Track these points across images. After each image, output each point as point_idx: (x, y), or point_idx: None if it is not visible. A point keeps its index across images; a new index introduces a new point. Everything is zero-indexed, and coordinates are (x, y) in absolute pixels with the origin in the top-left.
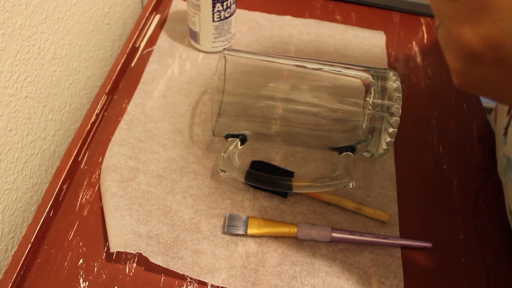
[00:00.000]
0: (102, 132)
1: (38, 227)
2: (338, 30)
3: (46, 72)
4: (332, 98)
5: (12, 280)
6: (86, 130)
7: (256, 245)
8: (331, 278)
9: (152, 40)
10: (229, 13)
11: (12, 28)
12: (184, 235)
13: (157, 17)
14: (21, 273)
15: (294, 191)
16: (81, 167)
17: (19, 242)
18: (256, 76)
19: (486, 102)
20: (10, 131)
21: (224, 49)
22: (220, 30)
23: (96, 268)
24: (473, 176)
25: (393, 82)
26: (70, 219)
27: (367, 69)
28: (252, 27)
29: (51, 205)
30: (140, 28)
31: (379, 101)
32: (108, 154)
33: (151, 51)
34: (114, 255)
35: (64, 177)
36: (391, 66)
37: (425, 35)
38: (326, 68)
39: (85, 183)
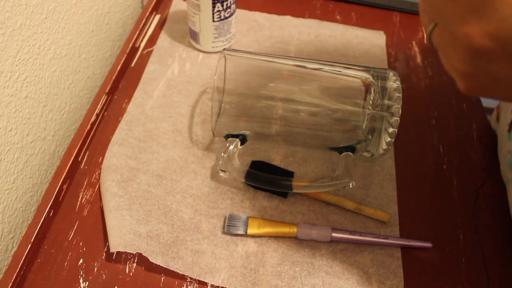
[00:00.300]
0: (102, 132)
1: (38, 227)
2: (338, 30)
3: (46, 72)
4: (332, 98)
5: (12, 280)
6: (86, 130)
7: (256, 245)
8: (331, 278)
9: (152, 40)
10: (229, 13)
11: (12, 28)
12: (184, 235)
13: (157, 17)
14: (21, 273)
15: (294, 191)
16: (81, 167)
17: (19, 242)
18: (256, 76)
19: (486, 102)
20: (10, 131)
21: (224, 49)
22: (220, 30)
23: (96, 268)
24: (473, 176)
25: (393, 82)
26: (70, 219)
27: (367, 69)
28: (252, 27)
29: (51, 205)
30: (140, 28)
31: (379, 101)
32: (108, 154)
33: (151, 51)
34: (114, 255)
35: (64, 177)
36: (391, 66)
37: (425, 35)
38: (326, 68)
39: (85, 183)
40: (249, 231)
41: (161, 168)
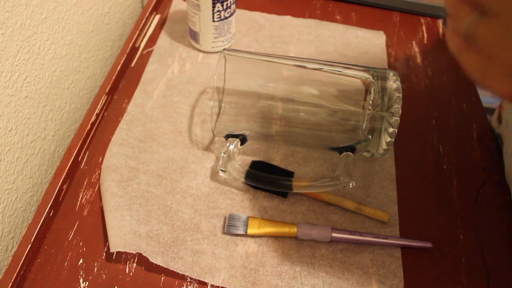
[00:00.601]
0: (102, 132)
1: (38, 227)
2: (338, 30)
3: (46, 72)
4: (332, 98)
5: (12, 280)
6: (86, 130)
7: (256, 245)
8: (331, 278)
9: (152, 40)
10: (229, 13)
11: (12, 28)
12: (184, 235)
13: (157, 17)
14: (21, 273)
15: (294, 191)
16: (81, 167)
17: (19, 242)
18: (256, 76)
19: (486, 102)
20: (10, 131)
21: (224, 49)
22: (220, 30)
23: (96, 268)
24: (473, 176)
25: (393, 82)
26: (70, 219)
27: (367, 69)
28: (252, 27)
29: (51, 205)
30: (140, 28)
31: (379, 101)
32: (108, 154)
33: (151, 51)
34: (114, 255)
35: (64, 177)
36: (391, 66)
37: (425, 35)
38: (326, 68)
39: (85, 183)
40: (249, 231)
41: (161, 168)
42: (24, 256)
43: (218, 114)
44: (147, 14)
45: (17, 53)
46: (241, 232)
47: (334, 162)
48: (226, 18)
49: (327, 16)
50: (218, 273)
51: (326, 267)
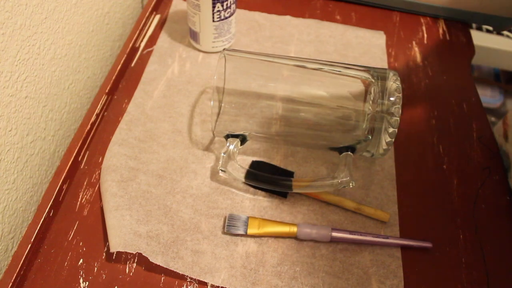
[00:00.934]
0: (102, 132)
1: (38, 227)
2: (338, 30)
3: (46, 72)
4: (332, 98)
5: (12, 280)
6: (86, 130)
7: (256, 245)
8: (331, 278)
9: (152, 40)
10: (229, 13)
11: (12, 28)
12: (184, 235)
13: (157, 17)
14: (21, 273)
15: (294, 191)
16: (81, 167)
17: (19, 242)
18: (256, 76)
19: (486, 102)
20: (10, 131)
21: (224, 49)
22: (220, 30)
23: (96, 268)
24: (473, 176)
25: (393, 82)
26: (70, 219)
27: (367, 69)
28: (252, 27)
29: (51, 205)
30: (140, 28)
31: (379, 101)
32: (108, 154)
33: (151, 51)
34: (114, 255)
35: (64, 177)
36: (391, 66)
37: (425, 35)
38: (326, 68)
39: (85, 183)
40: (249, 231)
41: (161, 168)
42: (24, 256)
43: (218, 114)
44: (147, 14)
45: (17, 53)
46: (241, 232)
47: (334, 162)
48: (226, 18)
49: (327, 16)
50: (218, 273)
51: (326, 267)
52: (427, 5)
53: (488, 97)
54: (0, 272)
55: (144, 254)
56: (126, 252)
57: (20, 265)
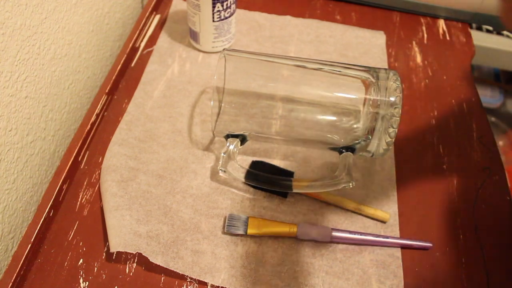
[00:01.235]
0: (102, 132)
1: (38, 227)
2: (338, 30)
3: (46, 72)
4: (332, 98)
5: (12, 280)
6: (86, 130)
7: (256, 245)
8: (331, 278)
9: (152, 40)
10: (229, 13)
11: (12, 28)
12: (184, 235)
13: (157, 17)
14: (21, 273)
15: (294, 191)
16: (81, 167)
17: (19, 242)
18: (256, 76)
19: (486, 102)
20: (10, 131)
21: (224, 49)
22: (220, 30)
23: (96, 268)
24: (473, 176)
25: (393, 82)
26: (70, 219)
27: (367, 69)
28: (252, 27)
29: (51, 205)
30: (140, 28)
31: (379, 101)
32: (108, 154)
33: (151, 51)
34: (114, 255)
35: (64, 177)
36: (391, 66)
37: (425, 35)
38: (326, 68)
39: (85, 183)
40: (249, 231)
41: (161, 168)
42: (24, 256)
43: (218, 114)
44: (147, 14)
45: (17, 53)
46: (241, 232)
47: (334, 162)
48: (226, 18)
49: (327, 16)
50: (218, 273)
51: (326, 267)
52: (427, 5)
53: (488, 97)
54: (0, 272)
55: (144, 254)
56: (126, 252)
57: (20, 265)
